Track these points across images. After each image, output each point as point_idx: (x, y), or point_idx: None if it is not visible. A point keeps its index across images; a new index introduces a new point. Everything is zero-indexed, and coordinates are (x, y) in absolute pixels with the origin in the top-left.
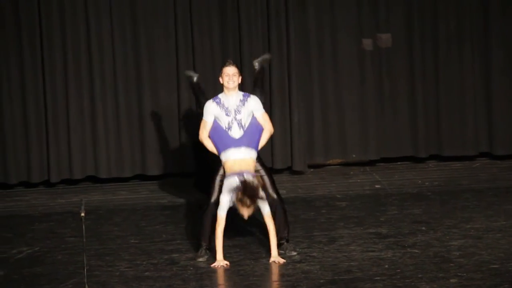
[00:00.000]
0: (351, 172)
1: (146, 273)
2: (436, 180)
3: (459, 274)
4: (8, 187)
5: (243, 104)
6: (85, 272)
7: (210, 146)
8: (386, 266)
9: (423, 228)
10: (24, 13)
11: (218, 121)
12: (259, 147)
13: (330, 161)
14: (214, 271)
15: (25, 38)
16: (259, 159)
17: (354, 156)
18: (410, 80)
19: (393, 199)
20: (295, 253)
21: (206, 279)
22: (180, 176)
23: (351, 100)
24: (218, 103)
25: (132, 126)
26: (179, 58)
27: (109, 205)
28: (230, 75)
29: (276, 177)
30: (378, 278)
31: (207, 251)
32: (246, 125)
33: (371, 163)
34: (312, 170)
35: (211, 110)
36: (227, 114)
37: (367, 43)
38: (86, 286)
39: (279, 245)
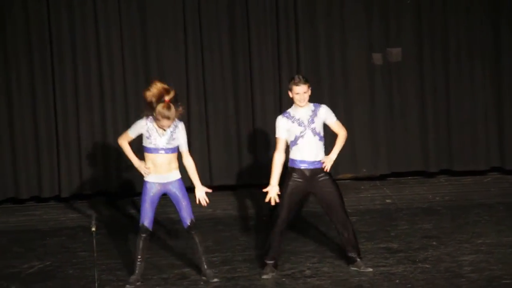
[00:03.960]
0: (362, 187)
1: None
2: (447, 194)
3: None
4: (20, 202)
5: (316, 114)
6: (96, 286)
7: (276, 168)
8: (397, 281)
9: (434, 243)
10: (35, 29)
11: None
12: (337, 152)
13: (341, 176)
14: (224, 285)
15: (35, 53)
16: (330, 174)
17: (364, 170)
18: (421, 95)
19: (404, 214)
20: (370, 270)
21: None
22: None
23: (361, 114)
24: (289, 117)
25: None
26: (189, 73)
27: (120, 220)
28: (301, 94)
29: None
30: None
31: (274, 269)
32: (321, 133)
33: (382, 177)
34: None
35: (282, 125)
36: (299, 125)
37: (377, 57)
38: None
39: (352, 261)
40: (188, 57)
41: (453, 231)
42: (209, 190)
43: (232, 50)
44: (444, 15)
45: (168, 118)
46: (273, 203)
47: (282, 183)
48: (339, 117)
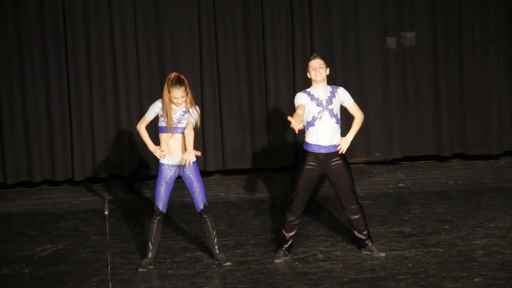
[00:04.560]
0: (375, 171)
1: (170, 271)
2: (460, 179)
3: (483, 273)
4: (33, 185)
5: (334, 96)
6: (109, 270)
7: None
8: (410, 265)
9: (447, 227)
10: (49, 18)
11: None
12: (354, 134)
13: (354, 160)
14: (237, 269)
15: (49, 38)
16: (343, 156)
17: (377, 154)
18: (434, 79)
19: (417, 198)
20: (383, 254)
21: (229, 277)
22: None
23: (374, 98)
24: (309, 94)
25: (155, 125)
26: (203, 59)
27: (133, 203)
28: (317, 68)
29: None
30: (402, 277)
31: (287, 253)
32: (338, 116)
33: (395, 161)
34: None
35: (302, 98)
36: (318, 105)
37: (391, 41)
38: (110, 284)
39: (364, 246)
40: (202, 41)
41: (466, 215)
42: (199, 153)
43: (245, 35)
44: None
45: (178, 87)
46: (296, 128)
47: (297, 166)
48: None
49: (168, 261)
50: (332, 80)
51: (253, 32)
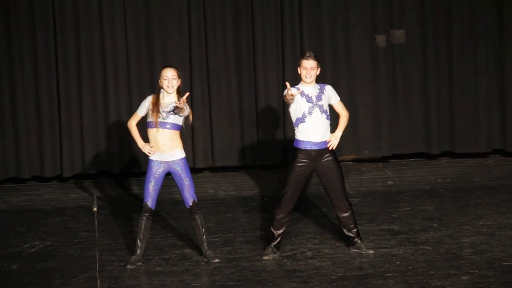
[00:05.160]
0: (364, 168)
1: (158, 268)
2: (449, 177)
3: (471, 271)
4: (21, 182)
5: (322, 92)
6: (97, 266)
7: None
8: (398, 262)
9: (435, 225)
10: (39, 11)
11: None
12: (342, 130)
13: (343, 157)
14: (225, 266)
15: (38, 32)
16: (334, 153)
17: (366, 152)
18: (424, 77)
19: (405, 196)
20: (371, 252)
21: (218, 275)
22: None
23: (364, 96)
24: (298, 90)
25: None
26: (193, 55)
27: (122, 200)
28: (308, 69)
29: None
30: (390, 274)
31: (275, 250)
32: (328, 112)
33: (384, 159)
34: None
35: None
36: (308, 101)
37: (381, 39)
38: (98, 281)
39: (353, 244)
40: (192, 38)
41: (455, 213)
42: (187, 94)
43: (235, 32)
44: None
45: (169, 67)
46: (292, 92)
47: (286, 163)
48: (342, 98)
49: (156, 258)
50: (321, 78)
51: (243, 29)
